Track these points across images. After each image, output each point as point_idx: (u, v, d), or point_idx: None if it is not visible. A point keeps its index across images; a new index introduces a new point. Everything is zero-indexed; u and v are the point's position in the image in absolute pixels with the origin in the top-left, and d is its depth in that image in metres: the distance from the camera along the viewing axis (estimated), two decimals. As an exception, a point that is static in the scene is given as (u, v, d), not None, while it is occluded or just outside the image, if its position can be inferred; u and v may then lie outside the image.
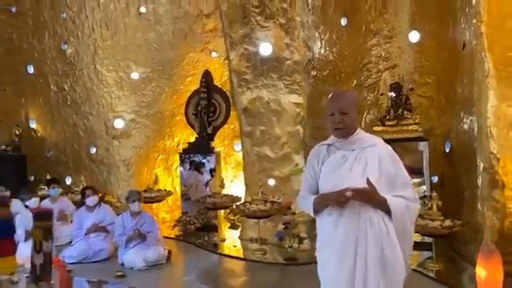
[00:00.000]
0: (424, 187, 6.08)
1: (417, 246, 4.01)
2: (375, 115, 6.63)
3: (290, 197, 6.34)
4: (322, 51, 6.84)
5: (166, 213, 8.63)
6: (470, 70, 5.36)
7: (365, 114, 6.94)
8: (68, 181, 9.02)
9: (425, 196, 5.72)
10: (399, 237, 2.54)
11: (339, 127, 2.60)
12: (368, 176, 2.46)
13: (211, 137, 8.17)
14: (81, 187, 7.38)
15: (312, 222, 6.21)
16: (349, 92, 2.99)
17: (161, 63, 8.85)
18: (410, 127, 6.23)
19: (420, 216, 5.02)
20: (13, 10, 9.25)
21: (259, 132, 6.66)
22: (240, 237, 6.89)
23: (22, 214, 5.58)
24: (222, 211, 7.55)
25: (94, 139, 9.07)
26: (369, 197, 2.47)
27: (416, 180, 5.99)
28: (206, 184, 7.96)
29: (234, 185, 8.38)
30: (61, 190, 7.38)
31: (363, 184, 2.44)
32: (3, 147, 9.27)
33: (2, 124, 9.79)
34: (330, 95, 2.72)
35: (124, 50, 8.81)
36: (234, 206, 6.71)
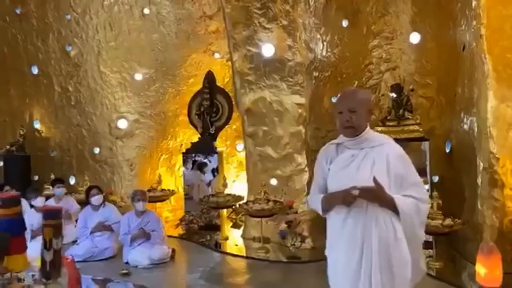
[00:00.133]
0: (426, 187, 6.15)
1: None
2: (376, 115, 6.69)
3: (292, 197, 6.43)
4: (324, 52, 6.90)
5: (169, 212, 8.70)
6: (470, 71, 5.43)
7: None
8: (72, 181, 9.08)
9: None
10: (408, 237, 2.50)
11: (347, 126, 2.56)
12: (376, 176, 2.42)
13: (213, 137, 8.25)
14: (86, 187, 7.45)
15: (313, 221, 6.32)
16: (359, 91, 2.87)
17: (165, 64, 8.93)
18: (411, 128, 6.30)
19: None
20: (18, 11, 9.31)
21: (261, 132, 6.72)
22: (243, 236, 6.96)
23: (27, 214, 5.65)
24: (225, 210, 7.63)
25: (98, 139, 9.13)
26: (375, 196, 2.44)
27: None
28: (209, 184, 8.03)
29: (236, 185, 8.47)
30: (65, 189, 7.47)
31: (370, 183, 2.41)
32: (8, 147, 9.32)
33: (6, 124, 9.89)
34: (340, 94, 2.69)
35: (128, 51, 8.88)
36: (238, 205, 6.79)
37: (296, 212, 6.25)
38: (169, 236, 6.77)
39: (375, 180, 2.40)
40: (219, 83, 8.53)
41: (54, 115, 9.48)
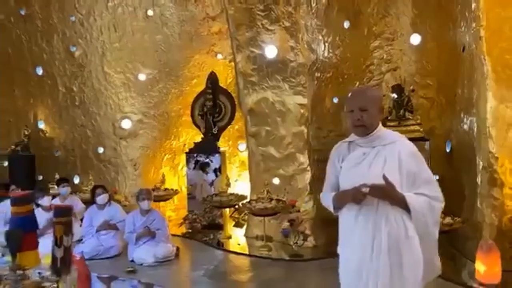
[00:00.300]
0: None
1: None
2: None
3: (295, 196, 6.51)
4: (326, 53, 6.98)
5: (172, 212, 8.78)
6: (469, 72, 5.50)
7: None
8: (76, 180, 9.16)
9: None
10: (420, 236, 2.45)
11: (358, 124, 2.52)
12: (387, 173, 2.39)
13: (216, 137, 8.34)
14: (91, 186, 7.53)
15: (315, 219, 6.40)
16: (370, 89, 2.84)
17: (168, 65, 9.01)
18: (412, 128, 6.37)
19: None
20: (23, 12, 9.39)
21: (264, 132, 6.80)
22: (246, 235, 7.04)
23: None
24: (228, 209, 7.71)
25: (102, 139, 9.22)
26: (385, 193, 2.41)
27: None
28: (211, 184, 8.11)
29: (238, 185, 8.55)
30: (70, 189, 7.54)
31: (382, 181, 2.38)
32: (13, 147, 9.40)
33: (11, 125, 9.97)
34: (350, 92, 2.66)
35: (132, 52, 8.97)
36: (240, 204, 6.87)
37: (299, 211, 6.32)
38: (173, 235, 6.84)
39: (385, 178, 2.38)
40: (221, 83, 8.61)
41: (59, 115, 9.56)
